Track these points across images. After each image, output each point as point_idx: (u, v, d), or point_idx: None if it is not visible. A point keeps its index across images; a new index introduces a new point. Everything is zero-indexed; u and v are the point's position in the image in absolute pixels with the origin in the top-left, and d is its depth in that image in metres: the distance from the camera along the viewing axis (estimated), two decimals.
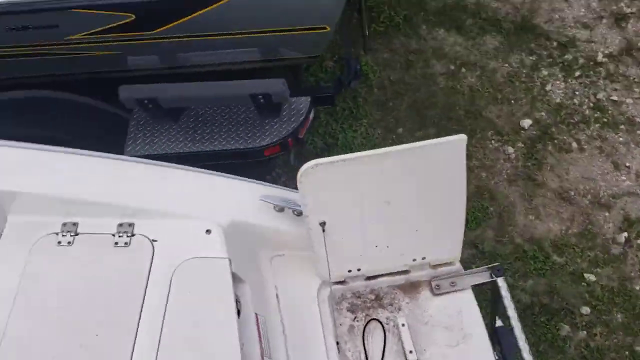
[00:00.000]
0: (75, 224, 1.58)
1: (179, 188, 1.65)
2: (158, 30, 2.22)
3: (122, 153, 2.47)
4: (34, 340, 1.41)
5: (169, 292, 1.47)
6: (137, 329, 1.41)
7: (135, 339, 1.39)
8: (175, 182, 1.67)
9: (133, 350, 1.38)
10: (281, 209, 1.62)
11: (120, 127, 2.69)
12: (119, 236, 1.55)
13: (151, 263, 1.51)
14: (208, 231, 1.56)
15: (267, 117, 2.59)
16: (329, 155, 2.91)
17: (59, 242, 1.55)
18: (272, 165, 2.98)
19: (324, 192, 1.47)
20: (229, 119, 2.64)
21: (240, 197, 1.65)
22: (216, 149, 2.57)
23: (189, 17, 2.17)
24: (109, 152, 1.76)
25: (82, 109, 2.64)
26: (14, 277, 1.50)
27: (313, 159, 2.91)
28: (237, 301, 1.49)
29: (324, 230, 1.51)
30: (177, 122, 2.63)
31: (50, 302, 1.47)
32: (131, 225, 1.57)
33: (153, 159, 1.75)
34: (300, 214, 1.61)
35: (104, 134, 2.65)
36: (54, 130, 2.46)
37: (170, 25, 2.20)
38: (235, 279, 1.52)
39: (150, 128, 2.64)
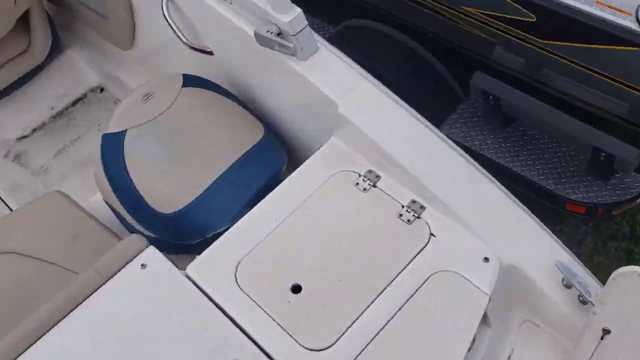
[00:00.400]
0: (378, 177, 1.63)
1: (485, 201, 1.58)
2: (547, 41, 2.10)
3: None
4: (290, 246, 1.52)
5: (418, 288, 1.44)
6: (373, 302, 1.42)
7: (365, 310, 1.41)
8: (484, 193, 1.60)
9: (358, 317, 1.40)
10: (569, 286, 1.46)
11: (448, 102, 2.69)
12: (407, 211, 1.56)
13: (418, 252, 1.50)
14: (486, 259, 1.48)
15: (592, 175, 2.34)
16: (628, 247, 2.59)
17: (357, 184, 1.62)
18: (562, 218, 2.74)
19: (630, 303, 1.27)
20: (552, 154, 2.46)
21: (537, 247, 1.52)
22: (523, 174, 2.42)
23: (587, 45, 2.00)
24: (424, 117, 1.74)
25: (430, 69, 2.68)
26: (309, 188, 1.62)
27: (608, 239, 2.63)
28: (473, 339, 1.41)
29: (602, 338, 1.32)
30: (502, 129, 2.53)
31: (319, 225, 1.55)
32: (422, 208, 1.56)
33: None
34: (585, 303, 1.44)
35: (430, 100, 2.68)
36: (391, 72, 2.56)
37: (563, 43, 2.06)
38: (484, 319, 1.44)
39: (475, 120, 2.59)
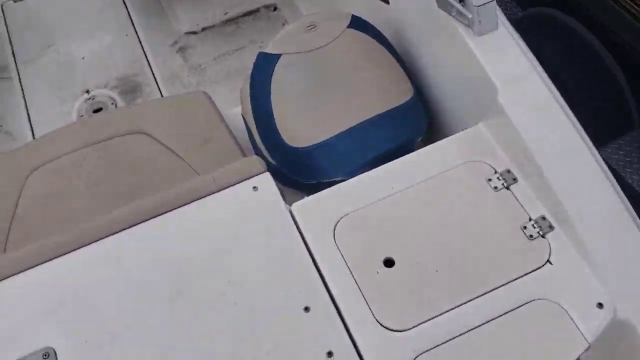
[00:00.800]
0: (514, 180, 1.50)
1: (622, 246, 1.40)
2: None
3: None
4: (398, 219, 1.47)
5: (514, 308, 1.33)
6: (462, 305, 1.34)
7: (451, 310, 1.34)
8: (624, 237, 1.42)
9: (441, 314, 1.33)
10: None
11: (618, 125, 2.42)
12: (533, 226, 1.43)
13: (528, 272, 1.38)
14: (600, 305, 1.33)
15: None
16: None
17: (489, 180, 1.51)
18: None
19: None
20: None
21: None
22: None
23: None
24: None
25: (612, 83, 2.42)
26: (439, 166, 1.53)
27: None
28: None
29: None
30: None
31: (435, 208, 1.47)
32: (551, 227, 1.43)
33: None
34: None
35: (599, 116, 2.43)
36: (567, 74, 2.34)
37: None
38: None
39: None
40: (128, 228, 1.48)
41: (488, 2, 1.52)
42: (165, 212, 1.50)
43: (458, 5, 1.54)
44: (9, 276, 1.43)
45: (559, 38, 2.51)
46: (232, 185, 1.53)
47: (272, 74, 1.79)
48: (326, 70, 1.79)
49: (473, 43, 1.58)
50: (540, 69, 1.60)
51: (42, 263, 1.44)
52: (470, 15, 1.53)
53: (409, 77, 1.84)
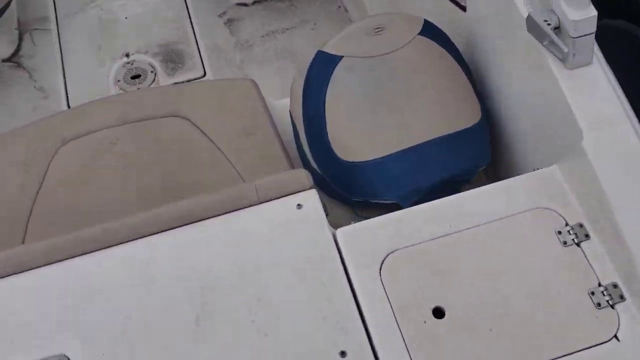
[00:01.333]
0: (587, 236, 1.35)
1: None
2: None
3: None
4: (453, 263, 1.34)
5: None
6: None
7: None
8: None
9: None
10: None
11: None
12: (602, 293, 1.29)
13: (590, 347, 1.24)
14: None
15: None
16: None
17: (559, 232, 1.36)
18: None
19: None
20: None
21: None
22: None
23: None
24: None
25: None
26: (505, 209, 1.39)
27: None
28: None
29: None
30: None
31: (496, 258, 1.34)
32: (622, 298, 1.28)
33: None
34: None
35: None
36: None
37: None
38: None
39: None
40: (161, 232, 1.37)
41: (587, 35, 1.35)
42: (202, 220, 1.38)
43: (552, 34, 1.37)
44: (30, 269, 1.33)
45: (628, 53, 2.32)
46: (274, 199, 1.41)
47: (330, 77, 1.64)
48: (390, 79, 1.64)
49: (562, 77, 1.41)
50: (631, 112, 1.44)
51: (65, 259, 1.34)
52: (565, 49, 1.36)
53: (478, 98, 1.68)
